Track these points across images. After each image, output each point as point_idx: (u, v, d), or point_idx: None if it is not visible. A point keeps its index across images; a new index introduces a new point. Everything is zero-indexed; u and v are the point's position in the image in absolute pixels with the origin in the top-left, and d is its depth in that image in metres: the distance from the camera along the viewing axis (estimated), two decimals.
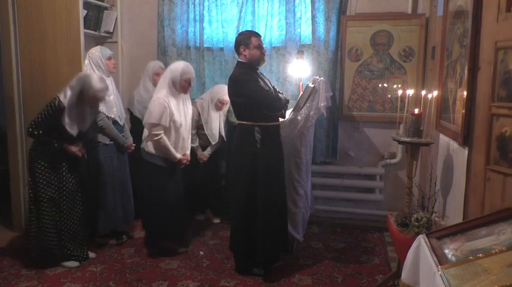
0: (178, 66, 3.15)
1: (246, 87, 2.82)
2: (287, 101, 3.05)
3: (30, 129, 2.93)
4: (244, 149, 2.89)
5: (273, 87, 3.01)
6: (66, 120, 2.90)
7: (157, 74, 3.62)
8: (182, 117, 3.17)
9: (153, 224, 3.26)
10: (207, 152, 3.85)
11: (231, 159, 3.05)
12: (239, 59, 2.92)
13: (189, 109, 3.30)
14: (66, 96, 2.90)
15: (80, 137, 3.03)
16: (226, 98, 3.63)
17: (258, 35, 2.92)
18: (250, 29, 3.86)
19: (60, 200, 3.03)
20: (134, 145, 3.45)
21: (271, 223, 2.89)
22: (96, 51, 3.33)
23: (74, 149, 3.02)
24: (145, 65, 3.81)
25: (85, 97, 2.91)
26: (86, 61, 3.32)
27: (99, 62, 3.28)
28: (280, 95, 2.99)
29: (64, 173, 3.03)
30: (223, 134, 3.82)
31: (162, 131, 3.06)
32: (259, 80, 2.88)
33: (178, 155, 3.17)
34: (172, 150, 3.12)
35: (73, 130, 2.95)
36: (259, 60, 2.90)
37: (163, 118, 3.03)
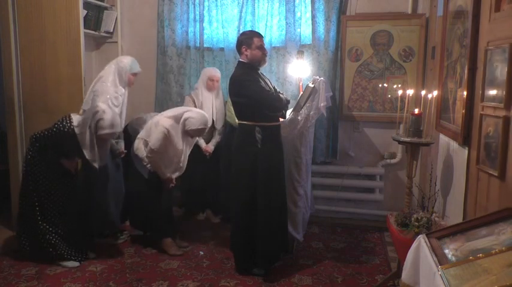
0: (193, 119, 3.13)
1: (247, 87, 2.82)
2: (288, 101, 3.05)
3: (33, 140, 3.03)
4: (244, 149, 2.89)
5: (274, 87, 3.01)
6: (86, 152, 3.02)
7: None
8: (179, 148, 3.22)
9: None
10: (211, 144, 3.87)
11: (232, 159, 3.05)
12: (240, 59, 2.92)
13: (191, 144, 3.39)
14: (79, 125, 2.99)
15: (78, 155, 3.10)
16: (215, 74, 3.72)
17: (260, 36, 2.92)
18: (250, 29, 3.86)
19: (50, 200, 3.06)
20: (125, 151, 3.48)
21: (271, 223, 2.89)
22: (127, 61, 3.35)
23: (70, 165, 3.12)
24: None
25: (95, 131, 3.01)
26: (113, 66, 3.31)
27: (122, 73, 3.30)
28: (280, 95, 2.99)
29: (57, 174, 3.08)
30: (215, 118, 3.81)
31: (156, 155, 3.13)
32: (260, 80, 2.89)
33: (168, 174, 3.23)
34: (162, 169, 3.20)
35: (95, 160, 3.05)
36: (261, 60, 2.90)
37: (161, 147, 3.10)
